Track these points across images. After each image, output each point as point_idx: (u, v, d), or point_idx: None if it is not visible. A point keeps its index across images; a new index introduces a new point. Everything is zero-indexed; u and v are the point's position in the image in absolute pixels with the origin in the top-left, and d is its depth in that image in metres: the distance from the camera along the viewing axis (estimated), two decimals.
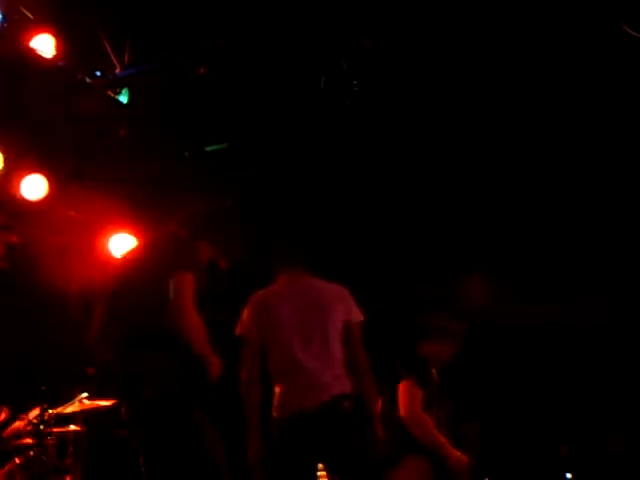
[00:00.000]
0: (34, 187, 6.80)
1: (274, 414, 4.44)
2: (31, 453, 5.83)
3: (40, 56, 5.88)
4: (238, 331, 4.53)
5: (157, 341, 3.88)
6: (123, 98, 6.35)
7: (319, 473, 4.92)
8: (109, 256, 7.66)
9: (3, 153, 6.46)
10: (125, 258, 4.54)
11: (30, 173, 6.78)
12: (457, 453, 4.87)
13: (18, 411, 6.12)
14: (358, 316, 4.60)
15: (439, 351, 5.10)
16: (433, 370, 5.10)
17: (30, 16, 6.01)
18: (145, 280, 4.00)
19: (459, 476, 4.87)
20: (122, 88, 6.32)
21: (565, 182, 7.22)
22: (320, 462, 4.45)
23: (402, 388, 4.92)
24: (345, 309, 4.58)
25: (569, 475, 7.02)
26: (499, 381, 7.35)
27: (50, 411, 5.92)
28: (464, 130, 6.96)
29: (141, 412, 3.93)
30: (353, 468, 4.30)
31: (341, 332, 4.51)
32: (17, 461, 5.86)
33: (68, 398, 6.16)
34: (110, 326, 4.07)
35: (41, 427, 5.81)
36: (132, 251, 4.59)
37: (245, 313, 4.56)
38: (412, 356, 5.09)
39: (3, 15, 5.90)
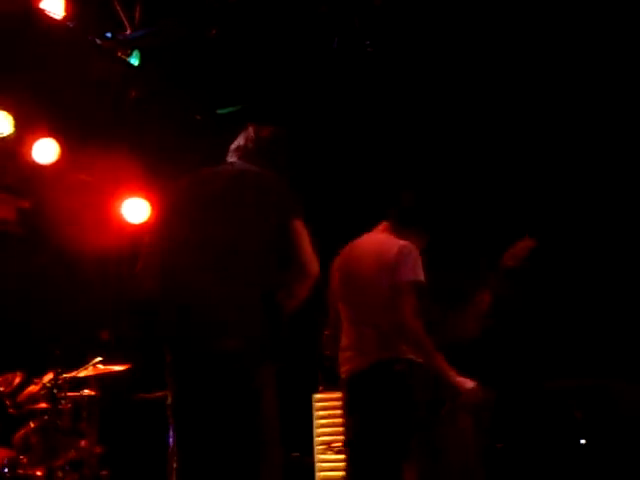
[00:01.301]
0: (45, 151, 6.79)
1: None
2: (45, 417, 5.84)
3: (50, 17, 5.82)
4: None
5: (246, 288, 3.56)
6: (134, 60, 6.29)
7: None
8: (122, 220, 7.65)
9: (14, 117, 6.43)
10: (195, 193, 3.87)
11: (41, 137, 6.76)
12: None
13: (32, 375, 6.12)
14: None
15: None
16: None
17: None
18: (244, 223, 3.65)
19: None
20: (133, 50, 6.25)
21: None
22: None
23: None
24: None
25: (583, 441, 6.99)
26: (512, 347, 7.32)
27: (64, 375, 5.92)
28: (478, 94, 6.90)
29: (218, 364, 3.51)
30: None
31: None
32: (32, 425, 5.87)
33: (82, 362, 6.16)
34: (175, 265, 3.67)
35: (55, 391, 5.82)
36: (203, 186, 3.89)
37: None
38: None
39: None
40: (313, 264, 3.63)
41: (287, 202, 3.71)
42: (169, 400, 3.69)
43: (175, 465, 3.64)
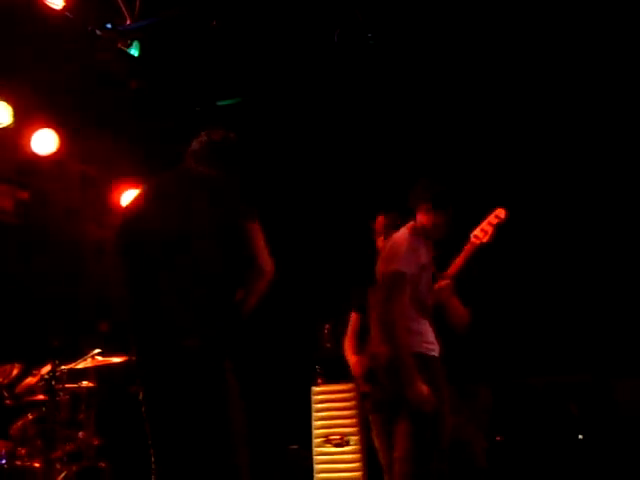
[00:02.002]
0: (45, 142, 6.78)
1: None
2: (43, 409, 5.82)
3: (49, 7, 5.79)
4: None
5: (205, 288, 3.73)
6: (134, 51, 6.27)
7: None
8: (121, 209, 7.64)
9: (13, 108, 6.42)
10: (152, 196, 4.06)
11: (40, 128, 6.75)
12: None
13: (30, 367, 6.11)
14: None
15: None
16: None
17: None
18: (202, 220, 3.79)
19: None
20: (133, 41, 6.23)
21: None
22: None
23: None
24: None
25: (580, 436, 7.00)
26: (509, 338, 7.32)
27: (62, 367, 5.91)
28: (479, 88, 6.88)
29: (177, 363, 3.67)
30: None
31: None
32: (30, 417, 5.86)
33: (80, 354, 6.15)
34: (138, 268, 3.86)
35: (53, 383, 5.80)
36: (159, 189, 4.08)
37: None
38: None
39: None
40: (268, 263, 3.77)
41: (239, 204, 3.85)
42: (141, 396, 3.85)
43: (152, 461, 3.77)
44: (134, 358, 3.93)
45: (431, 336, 4.66)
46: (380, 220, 5.60)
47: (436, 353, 4.61)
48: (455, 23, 6.24)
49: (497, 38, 6.39)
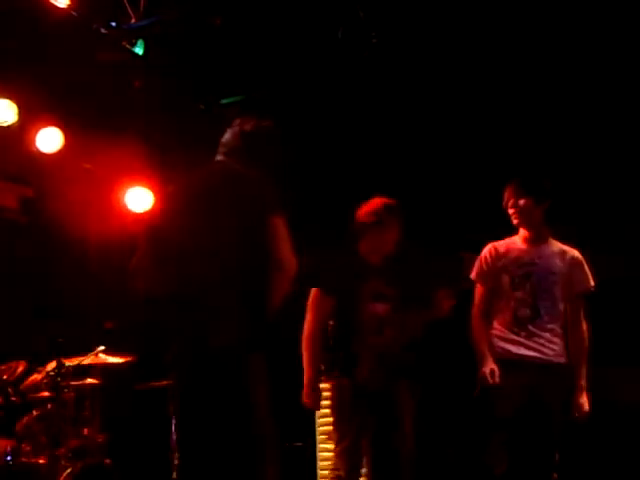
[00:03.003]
0: (49, 140, 6.80)
1: None
2: (48, 406, 5.85)
3: (54, 6, 5.80)
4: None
5: (233, 287, 3.71)
6: (138, 49, 6.27)
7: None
8: (125, 209, 7.66)
9: (18, 106, 6.43)
10: (186, 193, 4.05)
11: (45, 126, 6.76)
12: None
13: (35, 364, 6.13)
14: None
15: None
16: None
17: None
18: (227, 221, 3.76)
19: None
20: (137, 39, 6.23)
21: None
22: None
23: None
24: None
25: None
26: None
27: (67, 364, 5.92)
28: (484, 83, 6.86)
29: (207, 362, 3.68)
30: None
31: None
32: (35, 413, 5.89)
33: (85, 351, 6.16)
34: (166, 265, 3.83)
35: (58, 380, 5.82)
36: (193, 186, 4.06)
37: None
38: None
39: None
40: (290, 261, 3.71)
41: (265, 200, 3.78)
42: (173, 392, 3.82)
43: (177, 459, 3.73)
44: (171, 354, 3.86)
45: None
46: None
47: None
48: (458, 21, 6.23)
49: (498, 42, 6.38)
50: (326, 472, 6.65)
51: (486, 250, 5.29)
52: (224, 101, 7.16)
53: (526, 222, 5.17)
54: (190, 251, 3.78)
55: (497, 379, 4.99)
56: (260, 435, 3.67)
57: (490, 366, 5.03)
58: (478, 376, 5.06)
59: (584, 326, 5.17)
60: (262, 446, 3.67)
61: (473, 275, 5.28)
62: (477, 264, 5.28)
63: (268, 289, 3.71)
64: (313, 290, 5.21)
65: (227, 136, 4.12)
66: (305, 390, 5.19)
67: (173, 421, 6.24)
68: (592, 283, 5.17)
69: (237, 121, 4.14)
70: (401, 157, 7.46)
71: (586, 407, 5.05)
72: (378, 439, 5.09)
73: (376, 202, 5.32)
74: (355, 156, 7.50)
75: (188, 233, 3.82)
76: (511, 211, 5.19)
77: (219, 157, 4.10)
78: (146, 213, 7.65)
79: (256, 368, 3.71)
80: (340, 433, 5.14)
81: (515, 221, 5.19)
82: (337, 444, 5.14)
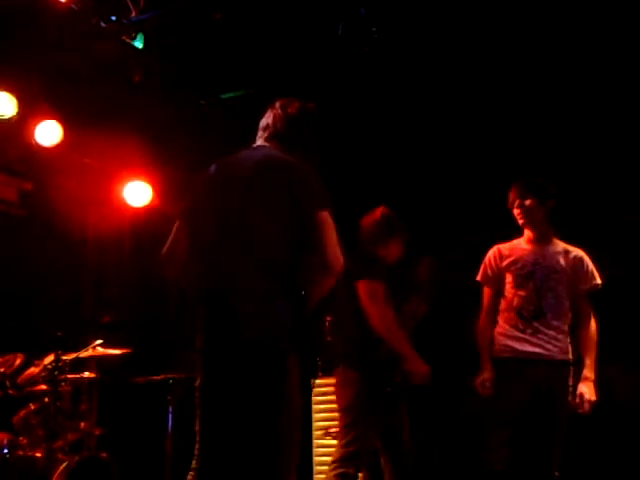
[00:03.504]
0: (48, 133, 6.78)
1: None
2: (45, 399, 5.85)
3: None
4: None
5: (268, 279, 3.50)
6: (138, 43, 6.26)
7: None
8: (124, 203, 7.66)
9: (17, 98, 6.43)
10: (226, 177, 3.78)
11: (44, 119, 6.75)
12: (416, 355, 5.06)
13: (33, 357, 6.14)
14: None
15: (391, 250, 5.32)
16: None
17: None
18: (269, 210, 3.55)
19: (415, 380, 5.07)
20: (137, 33, 6.23)
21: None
22: None
23: (361, 287, 5.07)
24: None
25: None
26: None
27: (64, 357, 5.93)
28: (484, 81, 6.86)
29: (235, 354, 3.46)
30: None
31: None
32: (32, 407, 5.90)
33: (83, 345, 6.17)
34: (200, 249, 3.64)
35: (55, 373, 5.82)
36: (233, 170, 3.78)
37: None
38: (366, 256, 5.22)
39: None
40: (336, 259, 3.51)
41: (313, 193, 3.57)
42: (197, 383, 3.62)
43: (197, 449, 3.59)
44: (197, 344, 3.62)
45: None
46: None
47: None
48: (459, 17, 6.22)
49: (500, 40, 6.37)
50: (323, 467, 6.66)
51: (490, 252, 5.38)
52: (224, 96, 7.16)
53: (531, 222, 5.23)
54: (225, 240, 3.60)
55: (488, 390, 5.10)
56: (285, 439, 3.52)
57: (483, 376, 5.14)
58: (472, 384, 5.19)
59: (593, 323, 5.22)
60: (285, 452, 3.52)
61: (479, 277, 5.39)
62: (482, 267, 5.39)
63: (310, 286, 3.57)
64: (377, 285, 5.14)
65: (268, 119, 3.86)
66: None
67: (170, 415, 6.27)
68: (598, 281, 5.22)
69: (278, 103, 3.89)
70: (401, 154, 7.45)
71: (589, 396, 5.06)
72: (399, 439, 5.23)
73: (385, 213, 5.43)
74: (353, 152, 7.49)
75: (224, 221, 3.63)
76: (516, 211, 5.25)
77: (260, 141, 3.86)
78: (146, 205, 7.67)
79: (291, 364, 3.51)
80: (360, 431, 5.14)
81: (520, 221, 5.24)
82: (352, 443, 5.12)
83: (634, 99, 6.57)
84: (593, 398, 5.05)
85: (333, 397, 6.75)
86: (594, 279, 5.23)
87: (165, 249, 3.72)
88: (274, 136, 3.82)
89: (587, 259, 5.26)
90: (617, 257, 6.83)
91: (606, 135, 6.97)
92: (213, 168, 3.83)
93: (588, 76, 6.56)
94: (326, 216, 3.53)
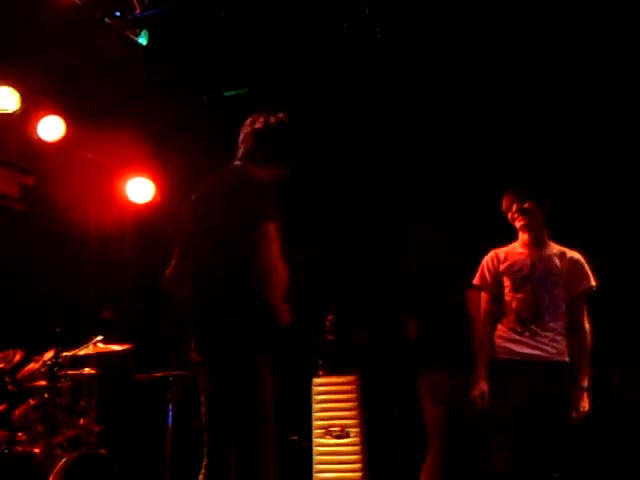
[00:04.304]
0: (51, 128, 6.77)
1: None
2: (45, 395, 5.83)
3: None
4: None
5: (237, 288, 3.84)
6: (142, 40, 6.25)
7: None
8: (125, 200, 7.65)
9: (20, 93, 6.41)
10: (202, 197, 4.16)
11: (47, 114, 6.74)
12: None
13: (33, 353, 6.13)
14: None
15: None
16: None
17: None
18: (228, 225, 3.89)
19: None
20: (141, 29, 6.21)
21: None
22: None
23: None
24: None
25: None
26: None
27: (64, 353, 5.91)
28: (488, 82, 6.85)
29: (218, 350, 3.87)
30: None
31: None
32: (31, 402, 5.88)
33: (83, 341, 6.15)
34: (187, 267, 4.06)
35: (55, 369, 5.81)
36: (208, 190, 4.16)
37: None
38: None
39: None
40: (277, 264, 3.75)
41: (260, 205, 3.80)
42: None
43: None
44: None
45: None
46: None
47: None
48: (463, 19, 6.20)
49: (503, 40, 6.36)
50: (321, 467, 6.66)
51: (487, 257, 5.40)
52: (227, 94, 7.14)
53: (530, 224, 5.24)
54: (202, 253, 3.94)
55: (486, 404, 5.10)
56: (258, 433, 3.84)
57: (480, 387, 5.14)
58: (470, 396, 5.16)
59: (586, 326, 5.20)
60: (259, 444, 3.84)
61: (476, 282, 5.38)
62: (479, 271, 5.38)
63: (263, 290, 3.78)
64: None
65: (241, 137, 4.13)
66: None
67: (170, 412, 6.27)
68: (593, 283, 5.20)
69: (248, 120, 4.14)
70: (403, 153, 7.45)
71: (585, 407, 5.06)
72: None
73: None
74: (356, 151, 7.48)
75: (202, 236, 3.97)
76: (515, 215, 5.25)
77: (236, 161, 4.13)
78: (148, 202, 7.66)
79: (260, 365, 3.86)
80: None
81: (519, 224, 5.25)
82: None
83: (624, 104, 6.59)
84: (586, 409, 5.05)
85: (334, 396, 6.77)
86: (589, 281, 5.21)
87: (167, 272, 4.14)
88: (244, 155, 4.10)
89: (583, 261, 5.25)
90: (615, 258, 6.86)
91: (597, 140, 6.99)
92: (201, 188, 4.16)
93: (579, 78, 6.59)
94: (269, 227, 3.75)
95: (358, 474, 6.63)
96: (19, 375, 6.00)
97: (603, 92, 6.67)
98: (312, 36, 6.31)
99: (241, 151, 4.11)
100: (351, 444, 6.68)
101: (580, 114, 6.89)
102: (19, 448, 5.72)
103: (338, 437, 6.64)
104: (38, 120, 6.73)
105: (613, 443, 6.80)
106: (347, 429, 6.69)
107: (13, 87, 6.39)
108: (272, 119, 4.11)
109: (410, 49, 6.50)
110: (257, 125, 4.08)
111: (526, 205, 5.21)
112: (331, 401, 6.81)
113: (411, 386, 5.91)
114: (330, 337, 7.02)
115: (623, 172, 7.11)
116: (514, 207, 5.26)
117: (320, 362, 6.99)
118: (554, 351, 5.08)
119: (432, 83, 6.86)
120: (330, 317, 7.05)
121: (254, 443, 3.80)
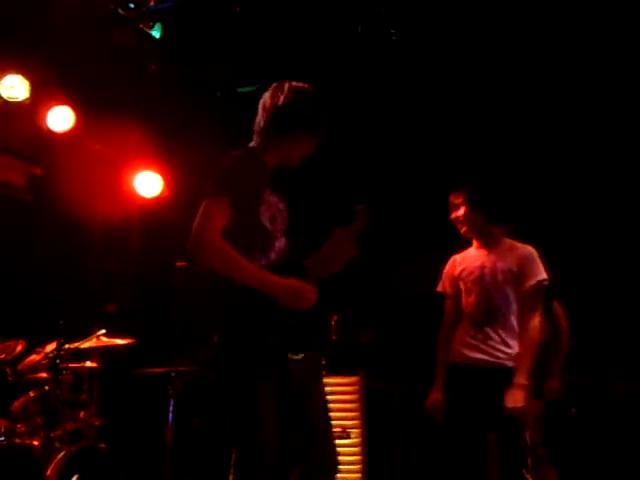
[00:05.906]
0: (60, 118, 6.74)
1: None
2: (46, 387, 5.80)
3: None
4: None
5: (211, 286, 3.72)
6: (156, 32, 6.23)
7: None
8: (133, 193, 7.62)
9: (30, 82, 6.38)
10: None
11: (57, 104, 6.71)
12: None
13: (35, 345, 6.09)
14: None
15: None
16: None
17: None
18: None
19: None
20: (155, 22, 6.19)
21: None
22: None
23: None
24: None
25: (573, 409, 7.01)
26: None
27: (67, 346, 5.88)
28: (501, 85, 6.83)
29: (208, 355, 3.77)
30: None
31: None
32: (31, 394, 5.84)
33: (86, 334, 6.12)
34: None
35: (57, 361, 5.78)
36: None
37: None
38: None
39: None
40: (204, 247, 3.52)
41: (207, 182, 3.64)
42: None
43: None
44: None
45: None
46: None
47: None
48: (476, 22, 6.19)
49: (517, 42, 6.35)
50: None
51: (448, 263, 5.42)
52: (240, 90, 7.11)
53: (470, 230, 5.23)
54: None
55: (441, 416, 5.09)
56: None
57: (434, 397, 5.16)
58: (425, 406, 5.18)
59: (535, 321, 5.02)
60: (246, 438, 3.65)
61: (440, 288, 5.40)
62: (441, 278, 5.41)
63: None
64: None
65: (256, 117, 3.93)
66: None
67: (171, 407, 6.25)
68: (544, 276, 5.05)
69: (261, 100, 3.95)
70: (404, 154, 7.44)
71: (516, 403, 4.88)
72: None
73: None
74: (366, 151, 7.46)
75: None
76: (455, 223, 5.23)
77: (251, 143, 3.93)
78: (154, 198, 7.63)
79: (250, 390, 3.66)
80: None
81: (461, 231, 5.23)
82: None
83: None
84: (518, 405, 4.87)
85: (336, 397, 6.75)
86: (539, 275, 5.05)
87: None
88: (258, 133, 3.89)
89: (534, 254, 5.11)
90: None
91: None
92: None
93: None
94: (208, 201, 3.58)
95: (358, 475, 6.61)
96: (20, 366, 5.95)
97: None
98: (327, 34, 6.29)
99: (255, 132, 3.91)
100: (352, 445, 6.67)
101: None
102: (17, 440, 5.67)
103: (339, 438, 6.61)
104: (47, 110, 6.70)
105: (614, 447, 6.79)
106: (348, 430, 6.66)
107: (23, 75, 6.36)
108: (284, 99, 3.88)
109: (424, 52, 6.50)
110: (267, 105, 3.88)
111: (460, 212, 5.18)
112: (333, 402, 6.78)
113: (413, 387, 5.91)
114: (334, 337, 7.00)
115: (623, 172, 7.13)
116: (452, 216, 5.25)
117: (324, 362, 6.97)
118: (504, 356, 5.02)
119: (445, 86, 6.86)
120: (334, 317, 7.01)
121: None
